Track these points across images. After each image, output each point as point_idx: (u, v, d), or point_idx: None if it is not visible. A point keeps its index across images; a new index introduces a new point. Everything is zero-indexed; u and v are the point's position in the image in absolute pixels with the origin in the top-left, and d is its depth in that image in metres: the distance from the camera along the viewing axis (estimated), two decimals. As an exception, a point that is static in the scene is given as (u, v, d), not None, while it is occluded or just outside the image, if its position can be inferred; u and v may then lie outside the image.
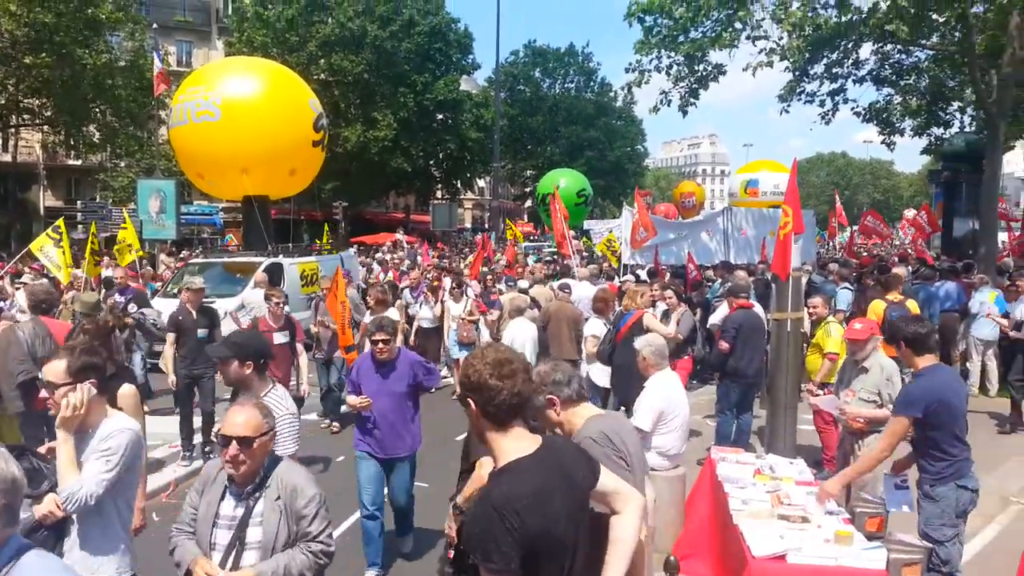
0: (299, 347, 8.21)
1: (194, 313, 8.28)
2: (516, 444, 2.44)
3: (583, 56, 59.61)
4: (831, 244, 28.02)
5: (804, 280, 8.92)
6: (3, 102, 27.92)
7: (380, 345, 5.51)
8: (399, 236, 31.81)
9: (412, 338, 11.98)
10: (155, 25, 31.86)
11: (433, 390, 6.21)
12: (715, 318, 9.93)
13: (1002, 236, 19.02)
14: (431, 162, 43.50)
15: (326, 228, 27.55)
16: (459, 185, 47.98)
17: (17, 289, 11.80)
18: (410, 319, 12.35)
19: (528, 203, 57.77)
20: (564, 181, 29.72)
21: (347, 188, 39.98)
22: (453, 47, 41.79)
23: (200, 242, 36.09)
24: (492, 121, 37.66)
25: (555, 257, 17.01)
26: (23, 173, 36.26)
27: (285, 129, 14.37)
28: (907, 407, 4.56)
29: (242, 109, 14.00)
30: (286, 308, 8.36)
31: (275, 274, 12.59)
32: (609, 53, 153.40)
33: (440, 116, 41.84)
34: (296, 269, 13.52)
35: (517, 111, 54.97)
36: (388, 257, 22.85)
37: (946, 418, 4.54)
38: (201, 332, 8.17)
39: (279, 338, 7.85)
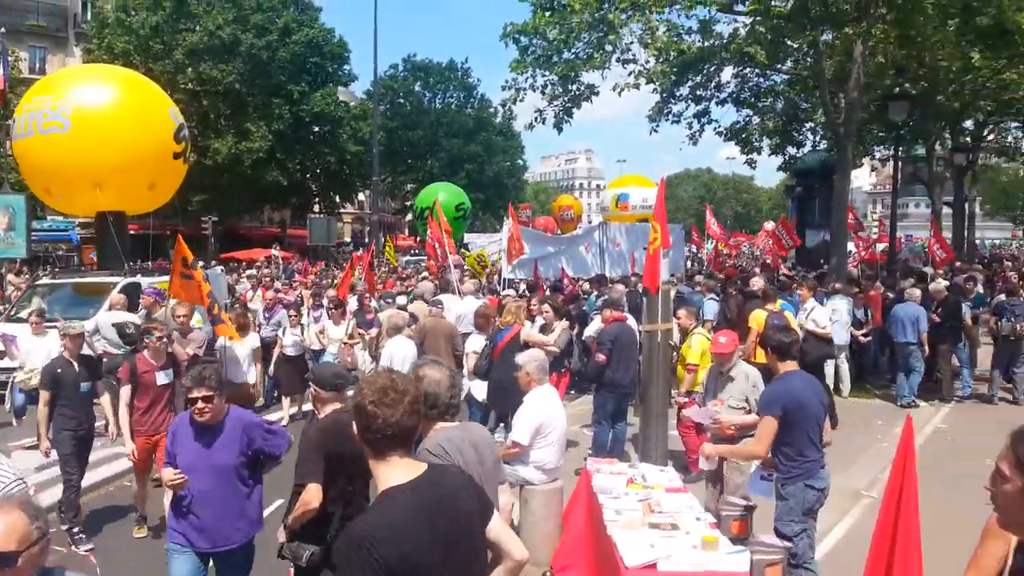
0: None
1: (75, 364, 6.95)
2: (393, 473, 2.41)
3: (463, 71, 60.04)
4: (697, 256, 29.37)
5: (673, 292, 9.29)
6: None
7: (200, 404, 4.24)
8: (274, 251, 30.84)
9: (272, 368, 11.22)
10: (3, 29, 29.60)
11: (282, 458, 4.76)
12: (590, 331, 10.19)
13: (851, 246, 20.49)
14: (308, 175, 42.48)
15: (179, 241, 26.26)
16: (338, 199, 47.09)
17: None
18: (267, 346, 10.95)
19: (409, 216, 57.46)
20: (443, 195, 29.74)
21: (218, 202, 38.41)
22: (328, 59, 41.05)
23: (55, 260, 33.66)
24: (370, 135, 37.23)
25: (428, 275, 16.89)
26: None
27: (143, 141, 13.47)
28: (768, 406, 4.90)
29: (95, 119, 13.04)
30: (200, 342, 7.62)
31: (133, 295, 11.53)
32: (489, 69, 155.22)
33: (317, 129, 40.99)
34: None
35: (397, 124, 54.65)
36: (258, 273, 21.89)
37: (800, 419, 4.87)
38: (84, 386, 6.93)
39: (162, 378, 6.81)
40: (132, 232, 17.48)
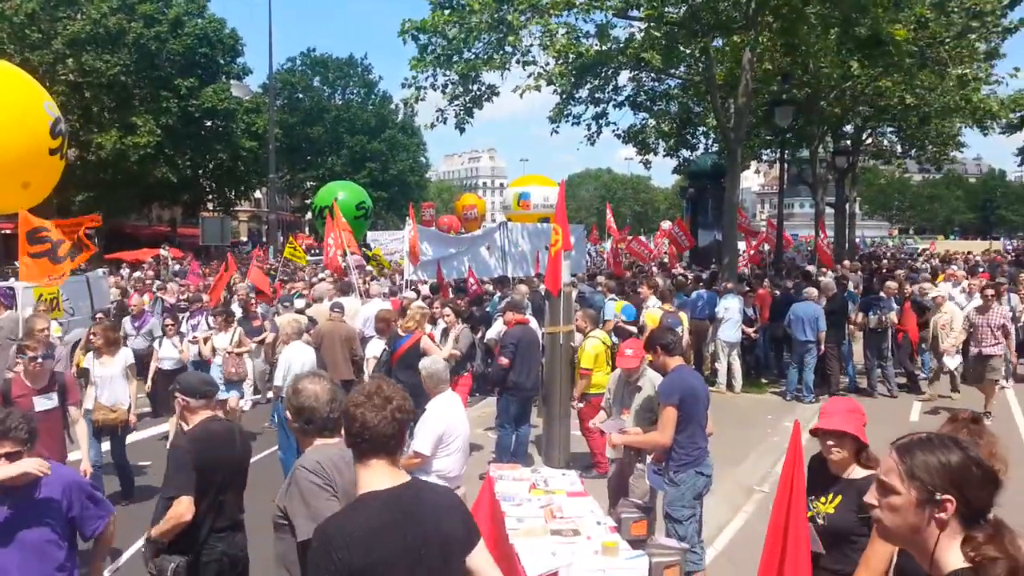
0: (72, 411, 6.17)
1: None
2: (373, 479, 2.43)
3: (363, 67, 59.14)
4: (595, 255, 29.87)
5: (574, 293, 9.39)
6: None
7: (2, 462, 3.35)
8: (163, 251, 29.46)
9: (148, 383, 10.05)
10: None
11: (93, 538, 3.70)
12: (492, 333, 10.19)
13: (741, 246, 21.33)
14: (200, 172, 40.77)
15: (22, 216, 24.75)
16: (233, 196, 45.47)
17: None
18: (140, 358, 9.70)
19: (309, 215, 56.22)
20: (343, 194, 29.18)
21: (103, 200, 36.39)
22: (220, 51, 39.52)
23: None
24: (265, 130, 36.10)
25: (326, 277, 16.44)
26: None
27: (14, 136, 12.38)
28: (668, 396, 5.18)
29: None
30: (54, 361, 6.32)
31: (7, 299, 10.80)
32: (389, 65, 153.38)
33: (209, 123, 39.41)
34: (32, 294, 11.23)
35: (296, 120, 53.27)
36: (142, 275, 20.64)
37: (694, 408, 5.22)
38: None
39: (42, 403, 5.85)
40: (7, 232, 16.33)
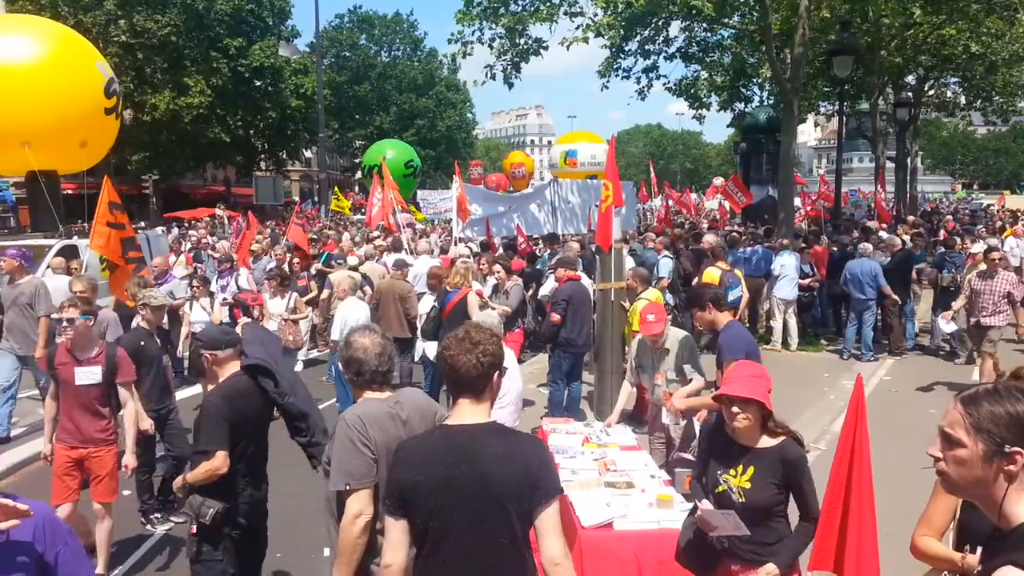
0: (123, 393, 5.34)
1: (157, 338, 6.33)
2: (456, 415, 2.65)
3: (408, 24, 58.79)
4: (645, 212, 29.50)
5: (625, 251, 9.30)
6: None
7: None
8: (218, 210, 30.04)
9: (180, 348, 9.45)
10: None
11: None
12: (545, 290, 10.18)
13: (796, 201, 20.82)
14: (252, 132, 41.29)
15: (106, 184, 25.25)
16: (284, 156, 45.99)
17: None
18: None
19: (359, 174, 56.65)
20: (391, 152, 29.25)
21: (158, 160, 37.17)
22: (268, 11, 39.65)
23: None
24: (314, 91, 36.25)
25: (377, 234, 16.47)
26: None
27: (71, 96, 12.77)
28: (733, 351, 4.95)
29: (19, 74, 12.33)
30: (95, 327, 5.46)
31: (70, 258, 11.02)
32: (434, 21, 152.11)
33: (258, 83, 39.74)
34: (96, 254, 11.76)
35: (344, 78, 53.37)
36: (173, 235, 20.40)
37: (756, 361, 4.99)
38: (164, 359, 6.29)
39: (83, 376, 5.15)
40: (69, 192, 16.76)
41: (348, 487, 2.88)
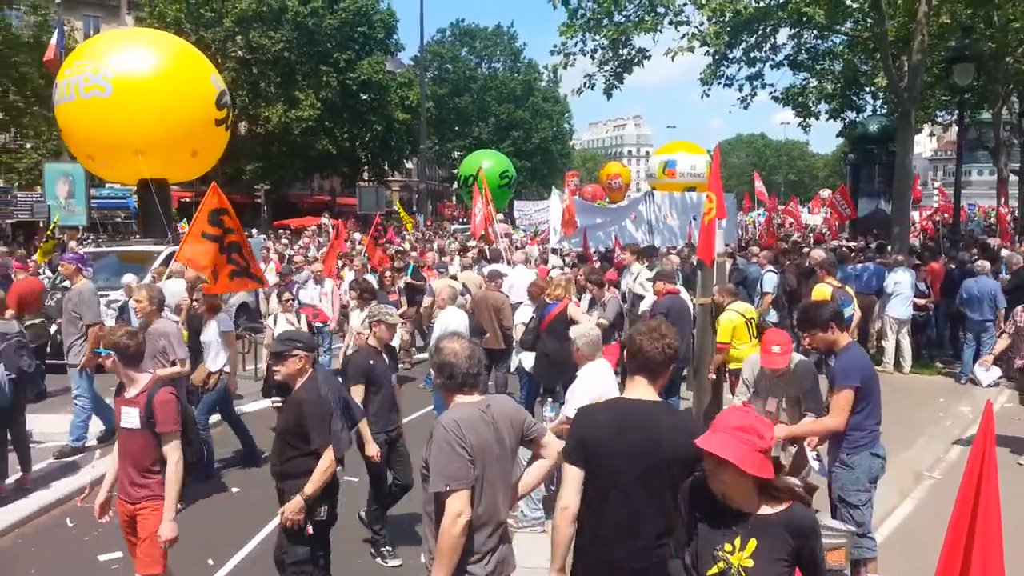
0: (165, 448, 4.20)
1: (385, 356, 5.90)
2: (631, 390, 3.14)
3: (509, 36, 59.49)
4: (747, 225, 28.68)
5: (728, 265, 9.05)
6: None
7: None
8: (324, 219, 31.10)
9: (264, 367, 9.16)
10: (58, 0, 30.13)
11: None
12: (644, 304, 10.01)
13: (913, 215, 19.81)
14: (356, 143, 42.70)
15: (212, 189, 26.43)
16: (386, 167, 47.29)
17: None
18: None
19: (455, 185, 57.66)
20: (487, 163, 29.55)
21: (270, 170, 38.91)
22: (376, 27, 40.98)
23: (113, 228, 34.47)
24: (417, 102, 37.17)
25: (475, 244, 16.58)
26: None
27: (185, 106, 13.30)
28: (848, 378, 4.69)
29: (136, 85, 12.88)
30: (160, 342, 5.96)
31: (84, 269, 10.23)
32: (533, 32, 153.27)
33: (365, 97, 41.08)
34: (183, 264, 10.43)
35: (444, 91, 54.49)
36: (308, 240, 21.39)
37: (873, 387, 4.78)
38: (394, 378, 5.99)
39: (124, 417, 4.21)
40: (185, 200, 17.61)
41: (448, 488, 2.94)
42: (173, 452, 4.15)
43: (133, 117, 12.78)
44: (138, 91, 12.88)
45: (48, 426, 8.16)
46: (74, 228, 22.36)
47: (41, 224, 31.76)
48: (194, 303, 8.56)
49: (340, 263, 14.18)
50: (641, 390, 3.10)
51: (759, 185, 27.20)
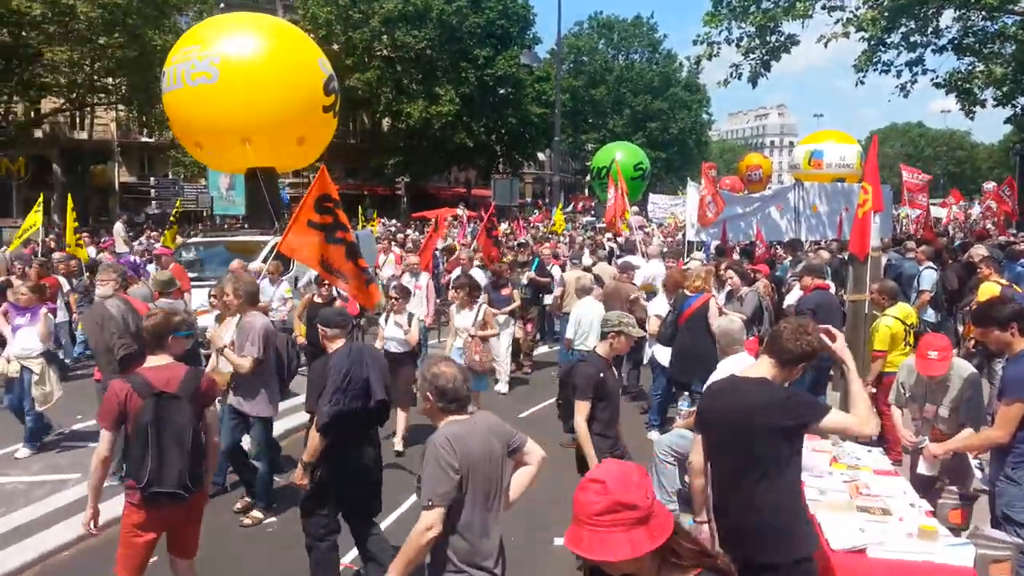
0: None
1: (614, 368, 5.50)
2: (753, 368, 3.65)
3: (648, 27, 58.64)
4: (900, 219, 26.86)
5: (884, 260, 8.59)
6: (80, 81, 28.77)
7: None
8: (460, 211, 31.84)
9: None
10: (222, 4, 32.34)
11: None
12: (791, 299, 9.68)
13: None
14: (492, 137, 43.47)
15: (322, 173, 26.43)
16: (521, 159, 47.83)
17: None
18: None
19: (588, 177, 57.53)
20: (620, 154, 29.24)
21: (410, 164, 40.31)
22: (515, 22, 41.51)
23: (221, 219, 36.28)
24: (553, 96, 37.37)
25: (607, 235, 16.43)
26: (99, 150, 37.45)
27: (292, 92, 12.78)
28: (1021, 390, 4.36)
29: (242, 70, 12.45)
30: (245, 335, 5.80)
31: (285, 256, 9.28)
32: (673, 22, 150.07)
33: (501, 91, 41.72)
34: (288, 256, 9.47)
35: (580, 83, 54.41)
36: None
37: None
38: None
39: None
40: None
41: (430, 503, 3.13)
42: (103, 441, 3.99)
43: (239, 103, 12.38)
44: (244, 76, 12.47)
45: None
46: (234, 217, 23.94)
47: (204, 213, 34.61)
48: (314, 297, 8.52)
49: (443, 256, 14.02)
50: (758, 369, 3.50)
51: (907, 176, 25.45)
